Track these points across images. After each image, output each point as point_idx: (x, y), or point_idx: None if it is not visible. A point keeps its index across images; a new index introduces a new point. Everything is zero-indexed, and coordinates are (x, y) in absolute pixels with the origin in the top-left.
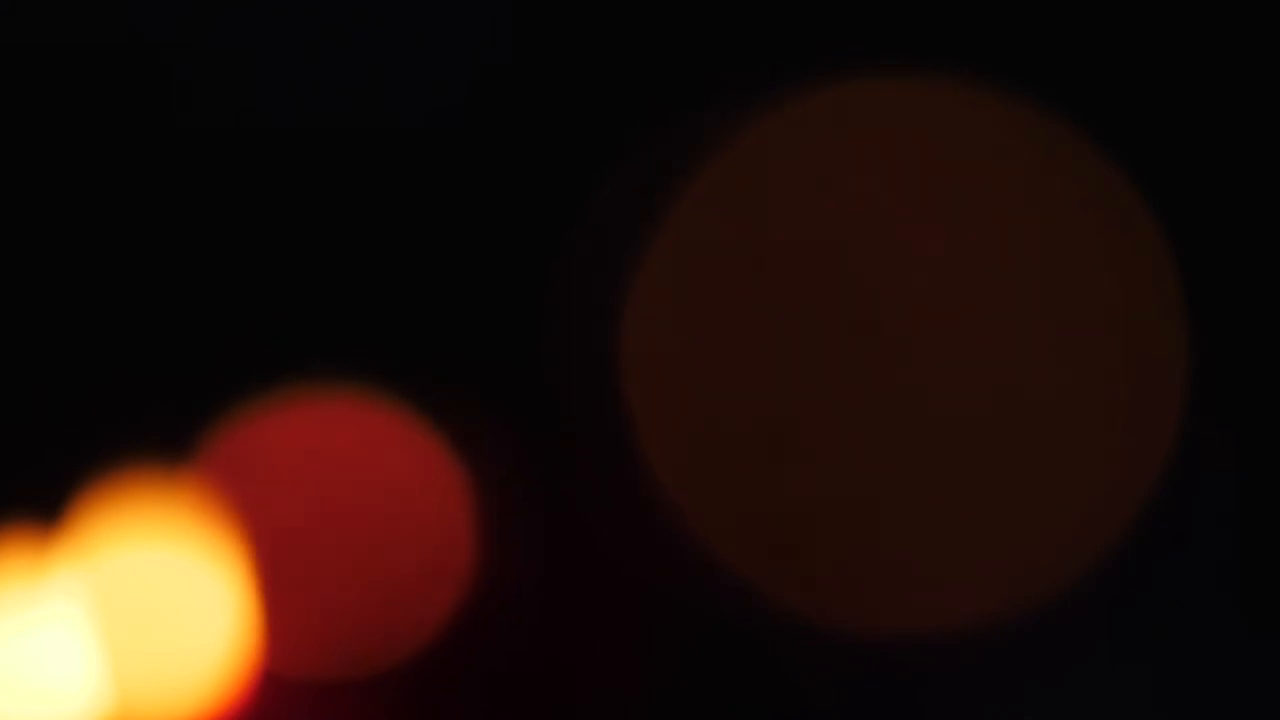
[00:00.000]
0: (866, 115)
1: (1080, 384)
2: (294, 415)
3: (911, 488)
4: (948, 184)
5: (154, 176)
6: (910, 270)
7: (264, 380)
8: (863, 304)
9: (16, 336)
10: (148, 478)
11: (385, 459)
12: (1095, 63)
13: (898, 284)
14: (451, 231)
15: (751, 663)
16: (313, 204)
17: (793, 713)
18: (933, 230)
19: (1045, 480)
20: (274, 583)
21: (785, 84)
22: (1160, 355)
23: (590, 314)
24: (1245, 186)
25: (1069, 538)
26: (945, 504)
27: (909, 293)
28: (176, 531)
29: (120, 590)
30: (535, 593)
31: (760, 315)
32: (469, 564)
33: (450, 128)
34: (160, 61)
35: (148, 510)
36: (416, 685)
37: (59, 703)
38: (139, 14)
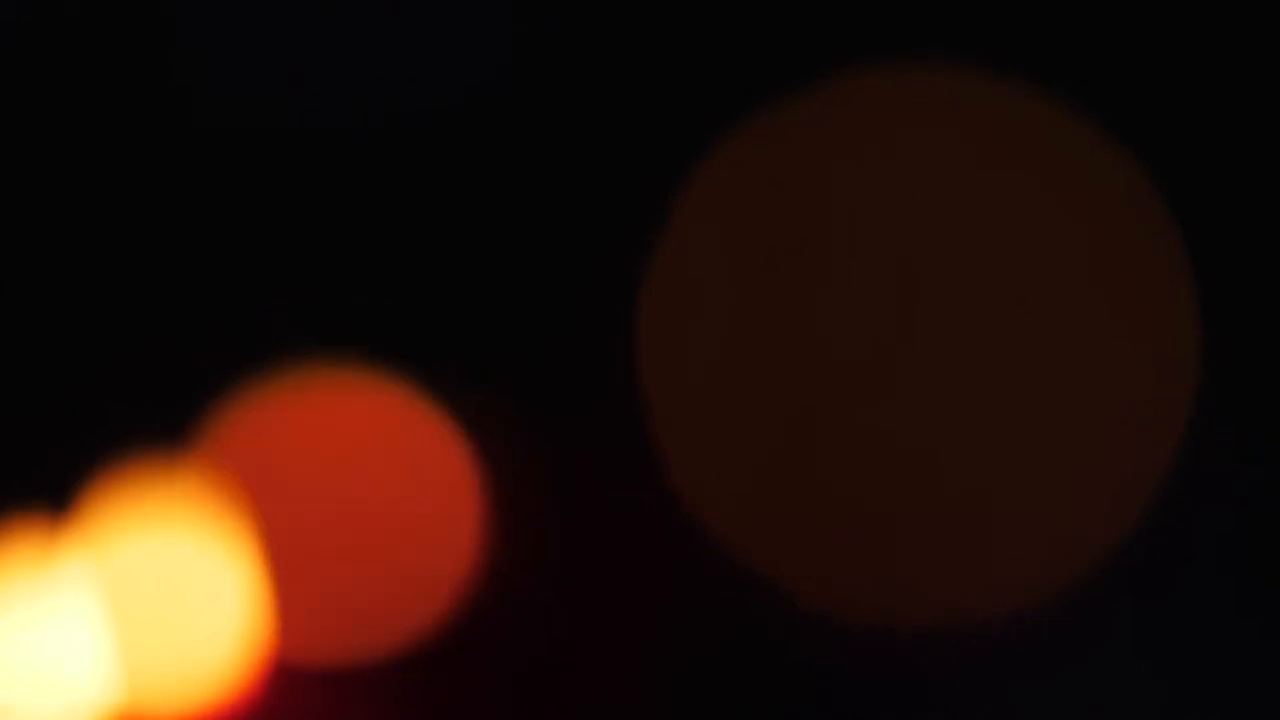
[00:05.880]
0: (878, 109)
1: (1090, 381)
2: (304, 406)
3: (923, 482)
4: (960, 178)
5: (161, 177)
6: (922, 265)
7: (272, 370)
8: (875, 298)
9: (25, 329)
10: (157, 467)
11: (397, 448)
12: (1108, 55)
13: (909, 278)
14: (458, 229)
15: (764, 655)
16: (318, 203)
17: (806, 705)
18: (944, 224)
19: (1055, 476)
20: (285, 571)
21: (794, 78)
22: (1170, 351)
23: (604, 308)
24: (1259, 183)
25: (1077, 533)
26: (955, 499)
27: (921, 287)
28: (186, 521)
29: (130, 580)
30: (548, 582)
31: (774, 310)
32: (481, 553)
33: (450, 128)
34: (161, 62)
35: (157, 500)
36: (428, 674)
37: (69, 693)
38: (140, 14)
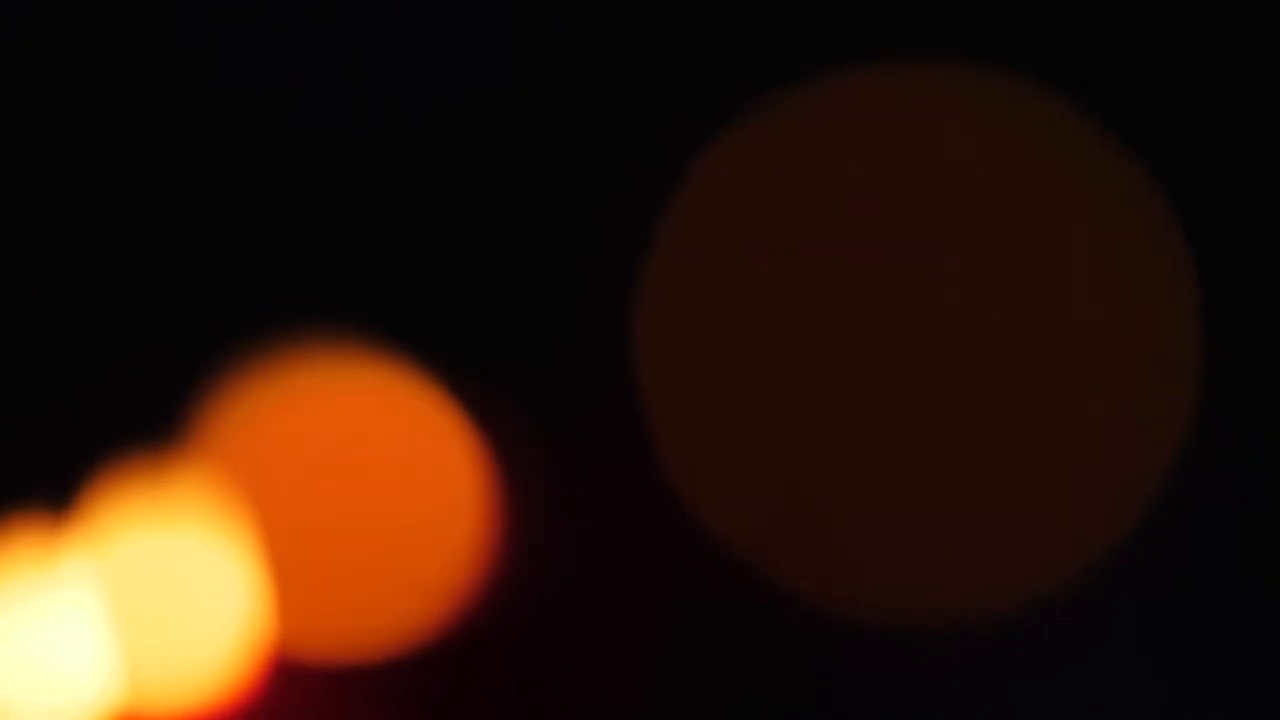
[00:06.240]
0: (879, 106)
1: (1090, 380)
2: (305, 404)
3: (923, 482)
4: (961, 175)
5: (161, 177)
6: (923, 263)
7: (274, 369)
8: (875, 296)
9: (25, 329)
10: (159, 464)
11: (398, 448)
12: (1110, 53)
13: (910, 276)
14: (458, 229)
15: (764, 655)
16: (318, 203)
17: (806, 705)
18: (946, 222)
19: (1055, 476)
20: (286, 569)
21: (795, 75)
22: (1172, 350)
23: (604, 307)
24: (1261, 182)
25: (1077, 533)
26: (956, 499)
27: (921, 285)
28: (187, 519)
29: (130, 579)
30: (548, 581)
31: (774, 309)
32: (486, 552)
33: (450, 128)
34: (161, 62)
35: (157, 498)
36: (427, 673)
37: (70, 692)
38: (140, 14)
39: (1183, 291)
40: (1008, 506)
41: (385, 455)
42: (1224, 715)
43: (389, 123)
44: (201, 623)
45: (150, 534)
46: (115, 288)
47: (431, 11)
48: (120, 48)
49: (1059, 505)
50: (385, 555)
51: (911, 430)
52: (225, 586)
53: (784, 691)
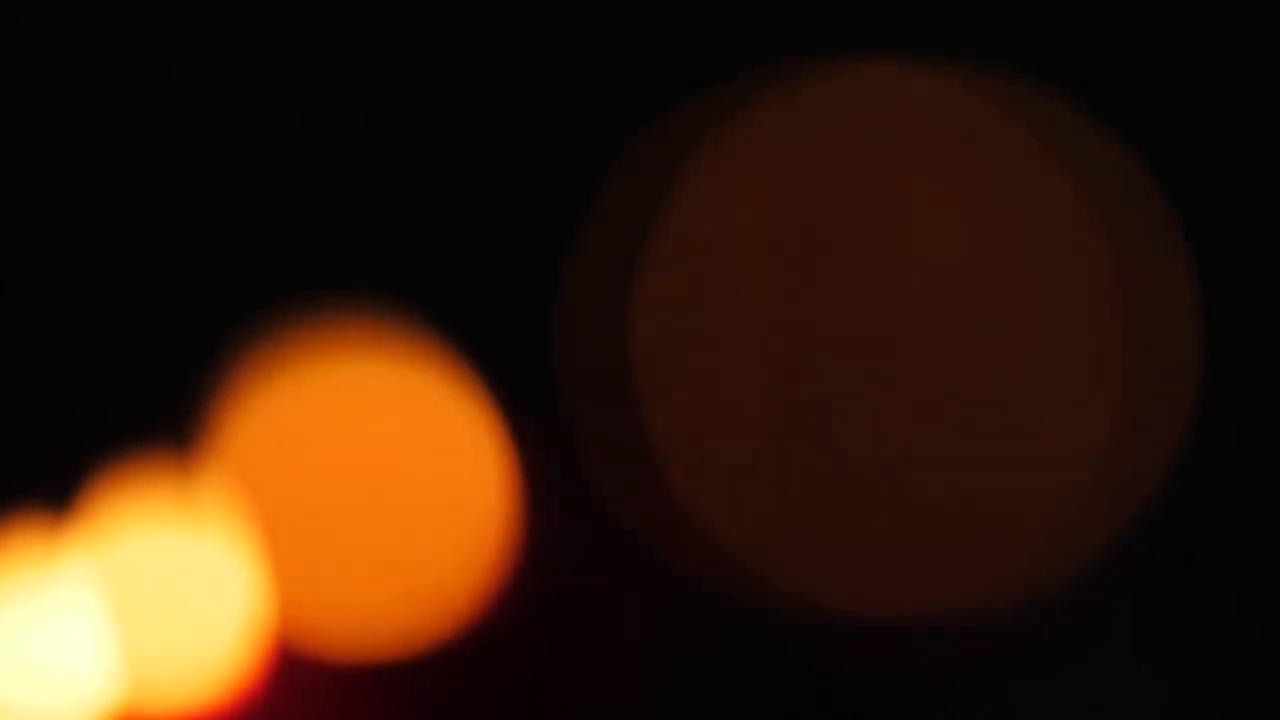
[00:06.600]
0: (878, 104)
1: (1090, 379)
2: (306, 403)
3: (923, 481)
4: (960, 173)
5: (161, 177)
6: (924, 261)
7: (274, 369)
8: (875, 295)
9: (25, 329)
10: (158, 464)
11: (404, 445)
12: (1110, 51)
13: (910, 274)
14: (458, 229)
15: (764, 655)
16: (318, 202)
17: (806, 705)
18: (945, 220)
19: (1055, 475)
20: (290, 568)
21: (796, 73)
22: (1172, 350)
23: (600, 308)
24: (1262, 181)
25: (1077, 533)
26: (955, 497)
27: (922, 283)
28: (189, 517)
29: (132, 577)
30: (547, 582)
31: (773, 308)
32: (488, 552)
33: (450, 128)
34: (161, 62)
35: (159, 496)
36: (428, 672)
37: (71, 691)
38: (140, 14)
39: (1183, 291)
40: (1008, 506)
41: (387, 455)
42: (1224, 715)
43: (389, 123)
44: (203, 622)
45: (151, 534)
46: (115, 287)
47: (431, 11)
48: (120, 48)
49: (1059, 505)
50: (387, 555)
51: (911, 429)
52: (228, 585)
53: (784, 691)
